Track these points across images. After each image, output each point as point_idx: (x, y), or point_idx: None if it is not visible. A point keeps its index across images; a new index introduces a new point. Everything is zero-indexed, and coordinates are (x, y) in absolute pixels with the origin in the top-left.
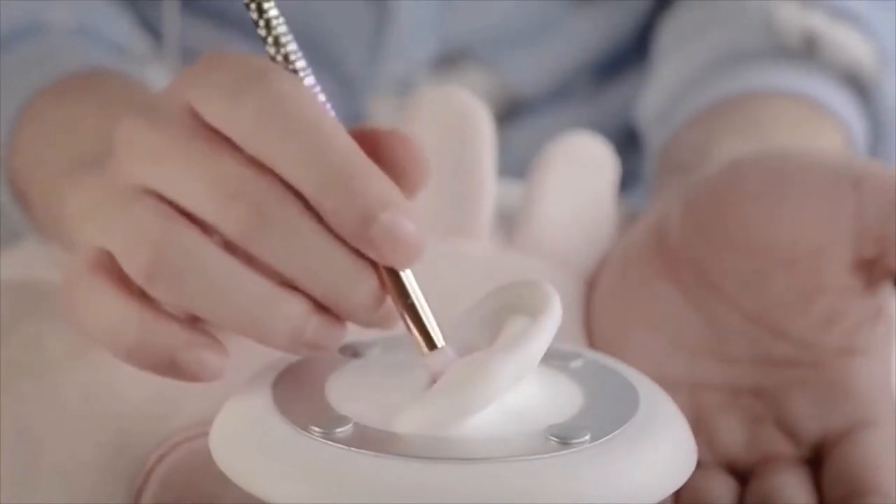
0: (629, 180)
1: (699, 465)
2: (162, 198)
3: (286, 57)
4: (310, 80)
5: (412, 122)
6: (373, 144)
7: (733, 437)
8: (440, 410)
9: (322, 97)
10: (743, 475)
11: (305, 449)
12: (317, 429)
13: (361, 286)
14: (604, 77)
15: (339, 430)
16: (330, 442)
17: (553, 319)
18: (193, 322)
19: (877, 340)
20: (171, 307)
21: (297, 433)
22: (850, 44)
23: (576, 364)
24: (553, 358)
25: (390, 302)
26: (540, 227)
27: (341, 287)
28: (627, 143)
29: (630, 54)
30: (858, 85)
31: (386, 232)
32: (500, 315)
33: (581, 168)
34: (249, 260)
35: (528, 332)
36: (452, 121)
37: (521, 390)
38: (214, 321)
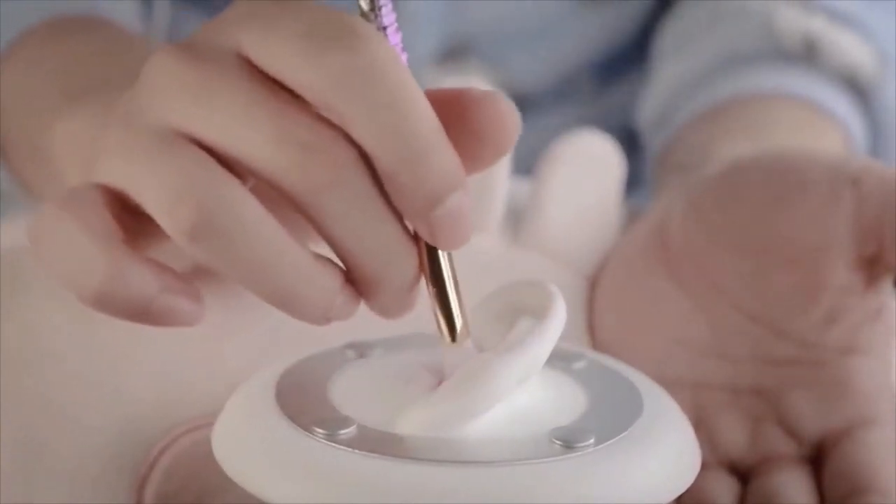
0: (631, 181)
1: (700, 464)
2: (201, 144)
3: (376, 9)
4: (396, 38)
5: None
6: (458, 108)
7: (734, 436)
8: (444, 412)
9: (405, 56)
10: (744, 475)
11: (308, 450)
12: (320, 430)
13: (406, 266)
14: (606, 77)
15: (342, 431)
16: (333, 443)
17: (557, 322)
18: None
19: (877, 340)
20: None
21: (299, 434)
22: (850, 47)
23: (579, 365)
24: (556, 359)
25: (414, 291)
26: (546, 225)
27: (387, 264)
28: (629, 143)
29: (633, 54)
30: (858, 87)
31: (450, 214)
32: (504, 315)
33: (588, 166)
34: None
35: (533, 335)
36: None
37: (525, 392)
38: (248, 287)
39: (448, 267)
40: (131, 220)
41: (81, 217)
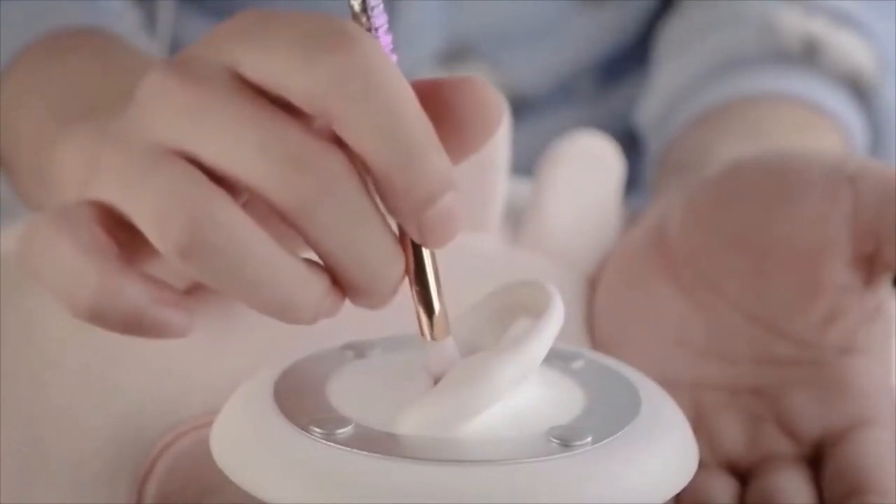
0: (631, 182)
1: (699, 464)
2: (194, 161)
3: (367, 11)
4: (387, 40)
5: None
6: (440, 97)
7: (733, 436)
8: (441, 412)
9: (395, 57)
10: (743, 475)
11: (306, 450)
12: (318, 429)
13: (394, 271)
14: (607, 78)
15: (340, 431)
16: (331, 443)
17: (555, 321)
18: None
19: (876, 339)
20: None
21: (297, 434)
22: (850, 48)
23: (577, 365)
24: (554, 358)
25: (398, 290)
26: (546, 225)
27: (377, 270)
28: (630, 144)
29: (633, 56)
30: (858, 88)
31: (442, 215)
32: (502, 315)
33: (588, 167)
34: (269, 229)
35: (530, 334)
36: None
37: (523, 391)
38: (241, 300)
39: (431, 266)
40: (125, 235)
41: (73, 231)
